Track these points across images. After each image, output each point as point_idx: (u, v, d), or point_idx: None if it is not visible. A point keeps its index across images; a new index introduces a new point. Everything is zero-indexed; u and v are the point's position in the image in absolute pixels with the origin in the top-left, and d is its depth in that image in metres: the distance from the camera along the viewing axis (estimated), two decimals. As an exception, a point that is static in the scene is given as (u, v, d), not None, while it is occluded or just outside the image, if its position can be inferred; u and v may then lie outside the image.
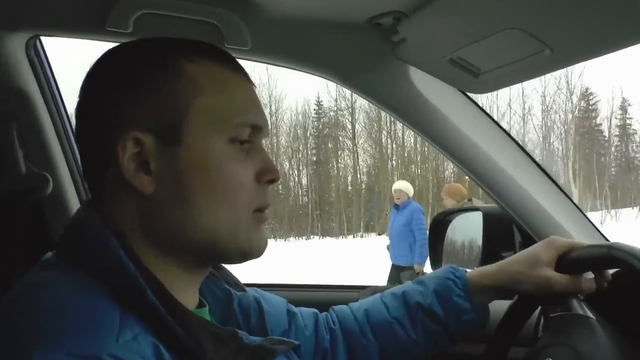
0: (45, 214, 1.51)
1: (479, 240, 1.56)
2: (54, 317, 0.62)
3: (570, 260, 0.99)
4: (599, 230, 1.37)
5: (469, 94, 1.26)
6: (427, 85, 1.17)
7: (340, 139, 44.34)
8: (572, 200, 1.36)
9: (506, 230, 1.53)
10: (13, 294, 0.67)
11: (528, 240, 1.44)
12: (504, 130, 1.32)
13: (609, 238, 1.33)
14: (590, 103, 40.02)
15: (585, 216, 1.37)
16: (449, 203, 5.62)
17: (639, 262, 0.84)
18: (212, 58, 0.76)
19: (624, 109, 40.07)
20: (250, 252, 0.77)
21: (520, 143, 1.38)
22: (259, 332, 0.93)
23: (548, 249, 1.02)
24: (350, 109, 41.93)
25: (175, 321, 0.66)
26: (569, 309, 0.94)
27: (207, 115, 0.73)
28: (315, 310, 1.10)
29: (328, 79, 1.19)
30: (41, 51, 1.44)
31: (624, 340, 0.85)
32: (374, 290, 1.56)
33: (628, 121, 40.07)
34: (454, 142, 1.27)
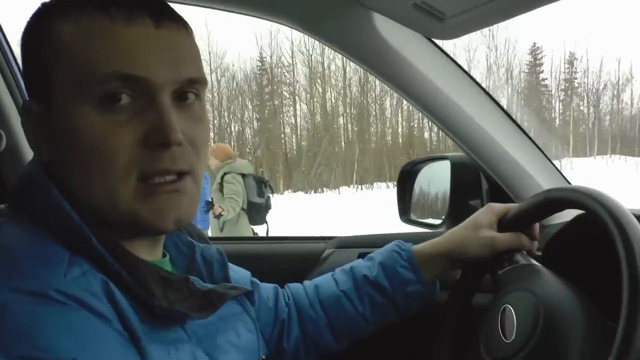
0: (0, 169, 1.49)
1: (447, 189, 1.56)
2: (1, 258, 0.61)
3: (510, 218, 1.03)
4: (563, 176, 1.38)
5: (435, 41, 1.23)
6: (392, 32, 1.13)
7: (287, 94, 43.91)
8: (538, 147, 1.36)
9: (474, 178, 1.54)
10: None
11: (495, 188, 1.45)
12: (471, 78, 1.29)
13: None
14: (537, 57, 40.16)
15: (552, 162, 1.37)
16: (213, 163, 5.59)
17: (580, 194, 0.84)
18: (89, 10, 0.67)
19: (571, 62, 40.36)
20: (140, 226, 0.70)
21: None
22: (222, 282, 0.92)
23: (487, 213, 1.05)
24: (291, 66, 41.38)
25: (121, 266, 0.66)
26: (515, 262, 0.95)
27: (70, 75, 0.67)
28: (276, 285, 1.12)
29: (290, 26, 1.14)
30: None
31: (572, 285, 0.86)
32: (340, 241, 1.56)
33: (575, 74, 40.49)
34: (420, 89, 1.24)
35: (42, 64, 0.69)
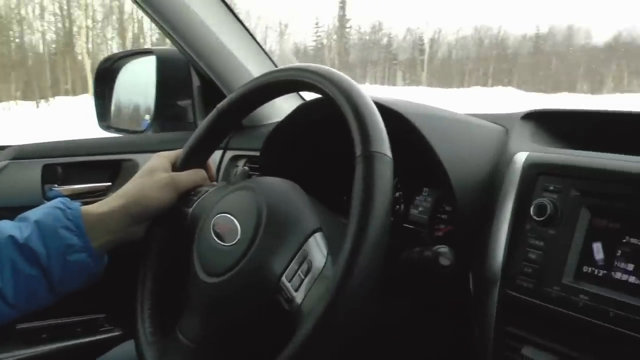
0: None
1: (153, 87, 1.40)
2: None
3: (184, 157, 0.91)
4: (273, 62, 1.35)
5: None
6: None
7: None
8: (254, 39, 1.30)
9: (183, 75, 1.41)
10: None
11: (208, 84, 1.35)
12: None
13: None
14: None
15: (268, 55, 1.33)
16: None
17: (311, 74, 0.74)
18: None
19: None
20: None
21: None
22: None
23: (159, 159, 0.91)
24: None
25: None
26: (205, 192, 0.86)
27: None
28: None
29: None
30: None
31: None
32: (17, 150, 1.25)
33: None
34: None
35: None
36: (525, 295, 0.71)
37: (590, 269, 0.67)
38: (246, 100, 0.85)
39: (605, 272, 0.66)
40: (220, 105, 0.87)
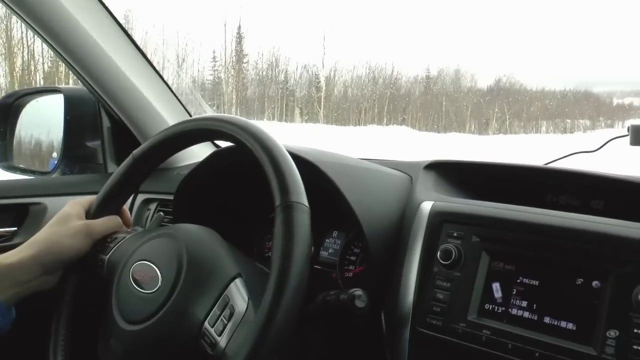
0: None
1: (60, 127, 1.36)
2: None
3: (98, 203, 0.90)
4: (189, 112, 1.36)
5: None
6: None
7: None
8: (169, 86, 1.31)
9: (92, 115, 1.38)
10: None
11: (118, 126, 1.34)
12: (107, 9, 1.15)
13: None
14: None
15: (179, 99, 1.34)
16: None
17: (225, 124, 0.77)
18: None
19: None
20: None
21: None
22: None
23: (72, 206, 0.89)
24: None
25: None
26: (122, 238, 0.85)
27: None
28: None
29: None
30: None
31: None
32: None
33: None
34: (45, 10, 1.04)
35: None
36: (434, 332, 0.78)
37: (491, 306, 0.75)
38: (163, 147, 0.86)
39: (503, 308, 0.74)
40: (135, 152, 0.87)
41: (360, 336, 0.91)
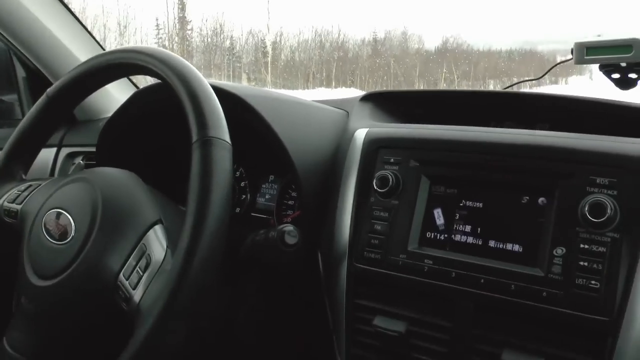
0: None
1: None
2: None
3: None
4: (102, 47, 1.27)
5: None
6: None
7: None
8: (80, 22, 1.20)
9: (4, 66, 1.27)
10: None
11: (34, 75, 1.23)
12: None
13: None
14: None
15: (95, 39, 1.23)
16: None
17: (146, 57, 0.69)
18: None
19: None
20: None
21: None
22: None
23: None
24: None
25: None
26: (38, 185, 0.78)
27: None
28: None
29: None
30: None
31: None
32: None
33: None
34: None
35: None
36: (373, 267, 0.72)
37: (432, 234, 0.70)
38: (78, 84, 0.77)
39: (446, 235, 0.69)
40: (50, 90, 0.78)
41: (297, 283, 0.85)
